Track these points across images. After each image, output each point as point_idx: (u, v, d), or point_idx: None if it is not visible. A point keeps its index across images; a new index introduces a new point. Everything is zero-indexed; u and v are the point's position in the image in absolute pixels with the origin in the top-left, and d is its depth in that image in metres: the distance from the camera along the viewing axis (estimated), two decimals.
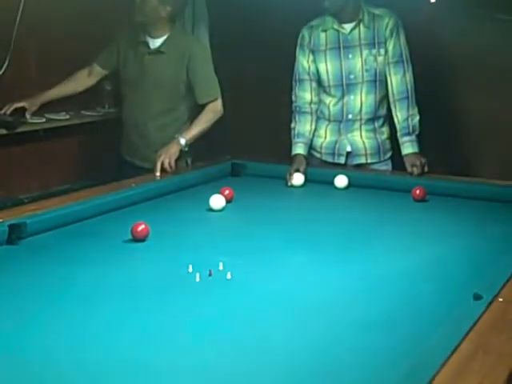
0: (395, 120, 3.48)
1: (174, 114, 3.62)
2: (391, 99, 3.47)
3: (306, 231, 2.63)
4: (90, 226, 2.58)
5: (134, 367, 1.55)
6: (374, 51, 3.41)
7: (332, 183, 3.23)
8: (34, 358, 1.58)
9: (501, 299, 1.84)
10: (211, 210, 2.79)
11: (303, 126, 3.51)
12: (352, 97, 3.46)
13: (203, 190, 3.06)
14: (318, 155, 3.59)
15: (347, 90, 3.45)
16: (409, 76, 3.45)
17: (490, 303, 1.81)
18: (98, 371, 1.53)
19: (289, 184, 3.24)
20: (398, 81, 3.43)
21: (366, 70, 3.41)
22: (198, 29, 4.27)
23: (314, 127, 3.53)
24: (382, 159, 3.56)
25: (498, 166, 4.00)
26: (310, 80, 3.51)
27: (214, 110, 3.56)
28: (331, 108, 3.50)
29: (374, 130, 3.51)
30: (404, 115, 3.43)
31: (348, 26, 3.43)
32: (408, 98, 3.44)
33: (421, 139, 3.46)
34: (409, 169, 3.34)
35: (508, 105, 3.99)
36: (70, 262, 2.22)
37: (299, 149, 3.46)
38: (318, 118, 3.55)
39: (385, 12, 3.46)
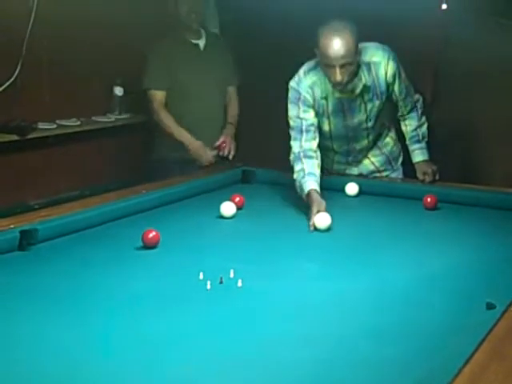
0: (404, 129, 3.44)
1: (224, 99, 4.06)
2: (400, 114, 3.41)
3: (317, 239, 2.62)
4: (100, 232, 2.58)
5: (141, 374, 1.55)
6: (378, 102, 3.24)
7: (343, 191, 3.22)
8: (47, 363, 1.58)
9: None
10: (222, 216, 2.79)
11: (311, 167, 3.05)
12: (356, 142, 3.37)
13: (214, 196, 3.06)
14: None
15: (352, 139, 3.35)
16: (413, 93, 3.39)
17: (504, 312, 1.79)
18: (105, 377, 1.53)
19: (312, 229, 2.72)
20: (409, 106, 3.38)
21: (370, 120, 3.29)
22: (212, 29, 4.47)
23: (320, 174, 3.09)
24: (394, 168, 3.54)
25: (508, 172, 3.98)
26: (315, 131, 3.15)
27: (236, 94, 4.07)
28: (336, 149, 3.41)
29: (379, 148, 3.48)
30: (413, 126, 3.41)
31: (351, 94, 3.17)
32: (417, 110, 3.42)
33: (431, 146, 3.45)
34: (420, 176, 3.32)
35: None
36: (80, 269, 2.22)
37: (312, 184, 2.96)
38: (322, 150, 3.24)
39: (380, 56, 3.15)
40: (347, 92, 3.14)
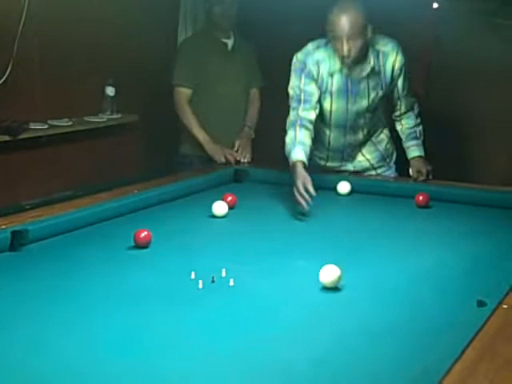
0: (400, 128, 3.45)
1: (246, 100, 4.10)
2: (397, 113, 3.43)
3: (309, 238, 2.62)
4: (92, 232, 2.58)
5: (134, 373, 1.55)
6: (381, 93, 3.28)
7: (335, 189, 3.23)
8: (42, 364, 1.58)
9: (505, 306, 1.83)
10: (214, 216, 2.79)
11: (304, 137, 3.09)
12: (352, 135, 3.39)
13: (206, 196, 3.06)
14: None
15: (349, 130, 3.36)
16: (412, 94, 3.43)
17: (495, 310, 1.80)
18: (93, 377, 1.52)
19: (304, 210, 2.84)
20: (407, 104, 3.40)
21: (370, 110, 3.32)
22: None
23: (311, 145, 3.13)
24: (390, 165, 3.55)
25: (505, 171, 3.99)
26: (316, 103, 3.20)
27: (259, 97, 4.10)
28: (331, 141, 3.41)
29: (374, 144, 3.50)
30: (411, 125, 3.43)
31: (359, 74, 3.21)
32: (413, 110, 3.44)
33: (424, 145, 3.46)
34: (414, 174, 3.33)
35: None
36: (71, 269, 2.21)
37: (300, 154, 3.01)
38: (317, 142, 3.34)
39: (390, 47, 3.23)
40: (355, 71, 3.18)
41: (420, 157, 3.39)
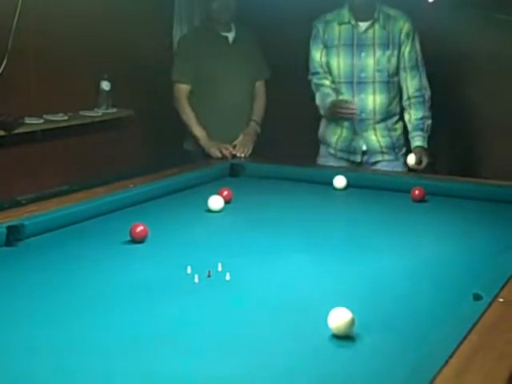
0: (408, 119, 3.49)
1: (252, 94, 4.03)
2: (406, 102, 3.48)
3: (306, 232, 2.61)
4: (88, 227, 2.57)
5: (131, 367, 1.54)
6: (388, 52, 3.41)
7: (331, 184, 3.22)
8: (37, 360, 1.57)
9: (501, 299, 1.83)
10: (210, 210, 2.79)
11: (328, 91, 3.51)
12: (363, 96, 3.48)
13: (202, 190, 3.05)
14: (332, 151, 3.63)
15: (358, 88, 3.46)
16: (425, 81, 3.48)
17: (491, 303, 1.80)
18: (87, 373, 1.52)
19: (353, 110, 3.41)
20: (415, 85, 3.45)
21: (379, 71, 3.42)
22: None
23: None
24: (397, 156, 3.59)
25: (503, 166, 3.99)
26: (325, 72, 3.53)
27: (264, 89, 4.05)
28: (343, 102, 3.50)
29: (388, 129, 3.54)
30: (419, 115, 3.47)
31: (363, 25, 3.43)
32: (424, 102, 3.47)
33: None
34: (412, 161, 3.36)
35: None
36: (67, 264, 2.21)
37: (331, 98, 3.49)
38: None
39: (400, 14, 3.46)
40: (362, 26, 3.41)
41: (422, 147, 3.41)
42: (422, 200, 3.01)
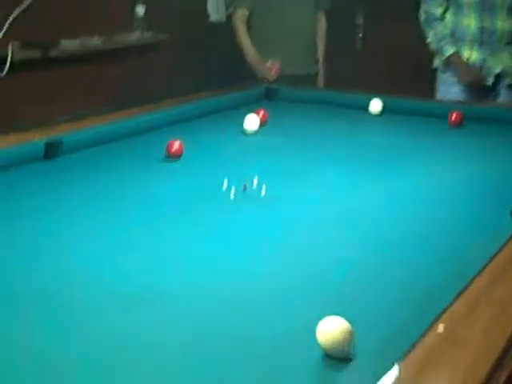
0: None
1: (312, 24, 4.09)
2: None
3: (339, 154, 2.60)
4: (125, 145, 2.59)
5: (166, 281, 1.53)
6: None
7: (366, 109, 3.18)
8: (69, 269, 1.61)
9: None
10: (245, 131, 2.78)
11: (442, 30, 3.49)
12: (491, 19, 3.39)
13: (237, 113, 3.04)
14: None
15: (487, 10, 3.39)
16: None
17: None
18: (107, 284, 1.52)
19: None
20: None
21: None
22: None
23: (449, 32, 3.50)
24: None
25: None
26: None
27: (325, 21, 4.11)
28: (472, 28, 3.44)
29: None
30: None
31: None
32: None
33: None
34: None
35: None
36: (105, 178, 2.23)
37: (451, 48, 3.48)
38: (456, 42, 3.51)
39: None
40: None
41: None
42: (460, 125, 2.97)
